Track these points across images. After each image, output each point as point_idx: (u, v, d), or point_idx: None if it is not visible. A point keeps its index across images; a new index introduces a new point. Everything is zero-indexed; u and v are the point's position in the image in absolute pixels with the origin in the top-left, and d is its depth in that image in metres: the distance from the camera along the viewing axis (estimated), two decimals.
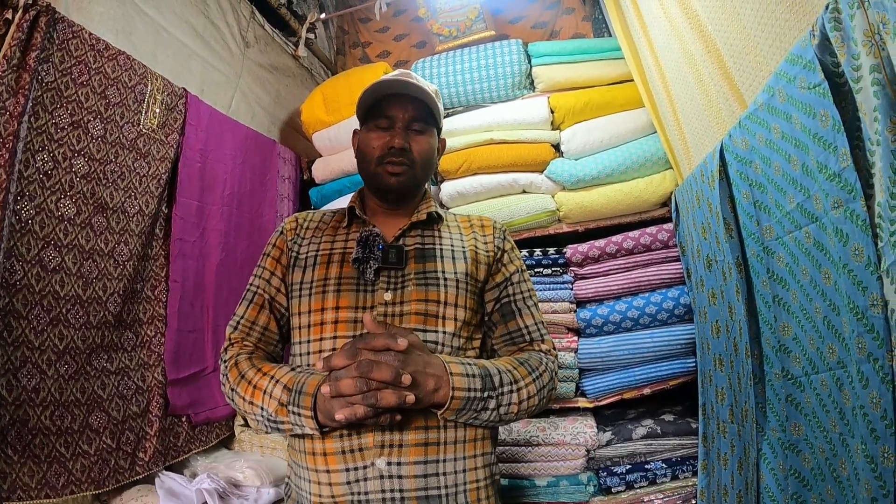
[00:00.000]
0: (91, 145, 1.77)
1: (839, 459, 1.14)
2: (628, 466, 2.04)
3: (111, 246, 1.83)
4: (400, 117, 1.22)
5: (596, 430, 2.08)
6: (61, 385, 1.63)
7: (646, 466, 2.03)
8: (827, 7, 1.01)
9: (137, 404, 1.88)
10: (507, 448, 2.11)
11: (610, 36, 2.67)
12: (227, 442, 2.32)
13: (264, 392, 1.06)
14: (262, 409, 1.06)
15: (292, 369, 1.09)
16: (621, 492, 2.03)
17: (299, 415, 1.02)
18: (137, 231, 1.92)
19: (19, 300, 1.54)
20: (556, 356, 1.23)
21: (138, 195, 1.93)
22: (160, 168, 2.02)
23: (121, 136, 1.87)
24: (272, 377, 1.08)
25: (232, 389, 1.13)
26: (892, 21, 0.89)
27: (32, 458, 1.53)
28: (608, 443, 2.06)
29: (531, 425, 2.12)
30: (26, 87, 1.52)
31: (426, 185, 1.36)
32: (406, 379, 0.93)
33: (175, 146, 2.09)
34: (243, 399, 1.10)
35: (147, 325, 1.97)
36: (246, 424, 2.30)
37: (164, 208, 2.06)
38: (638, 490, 2.02)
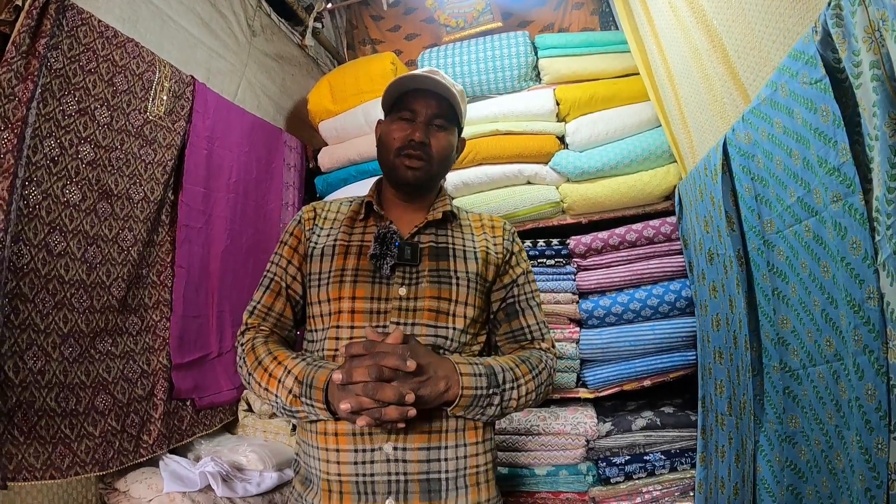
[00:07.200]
0: (97, 132, 1.78)
1: (835, 451, 1.16)
2: (627, 457, 2.05)
3: (115, 232, 1.85)
4: (423, 112, 1.24)
5: (596, 420, 2.09)
6: (66, 368, 1.66)
7: (644, 458, 2.04)
8: (829, 4, 1.02)
9: (142, 387, 1.91)
10: (507, 437, 2.12)
11: (616, 29, 2.66)
12: (230, 426, 2.35)
13: (279, 381, 1.12)
14: (276, 396, 1.12)
15: (303, 359, 1.14)
16: (620, 482, 2.05)
17: (313, 406, 1.07)
18: (142, 217, 1.94)
19: (26, 284, 1.56)
20: (555, 353, 1.29)
21: (143, 182, 1.95)
22: (166, 155, 2.03)
23: (127, 123, 1.88)
24: (285, 367, 1.13)
25: (249, 374, 1.18)
26: (892, 18, 0.90)
27: (38, 440, 1.55)
28: (608, 433, 2.07)
29: (532, 415, 2.13)
30: (35, 73, 1.53)
31: (442, 182, 1.39)
32: (409, 397, 0.99)
33: (182, 133, 2.10)
34: (259, 385, 1.15)
35: (152, 309, 2.00)
36: (250, 409, 2.32)
37: (170, 195, 2.08)
38: (636, 481, 2.04)
